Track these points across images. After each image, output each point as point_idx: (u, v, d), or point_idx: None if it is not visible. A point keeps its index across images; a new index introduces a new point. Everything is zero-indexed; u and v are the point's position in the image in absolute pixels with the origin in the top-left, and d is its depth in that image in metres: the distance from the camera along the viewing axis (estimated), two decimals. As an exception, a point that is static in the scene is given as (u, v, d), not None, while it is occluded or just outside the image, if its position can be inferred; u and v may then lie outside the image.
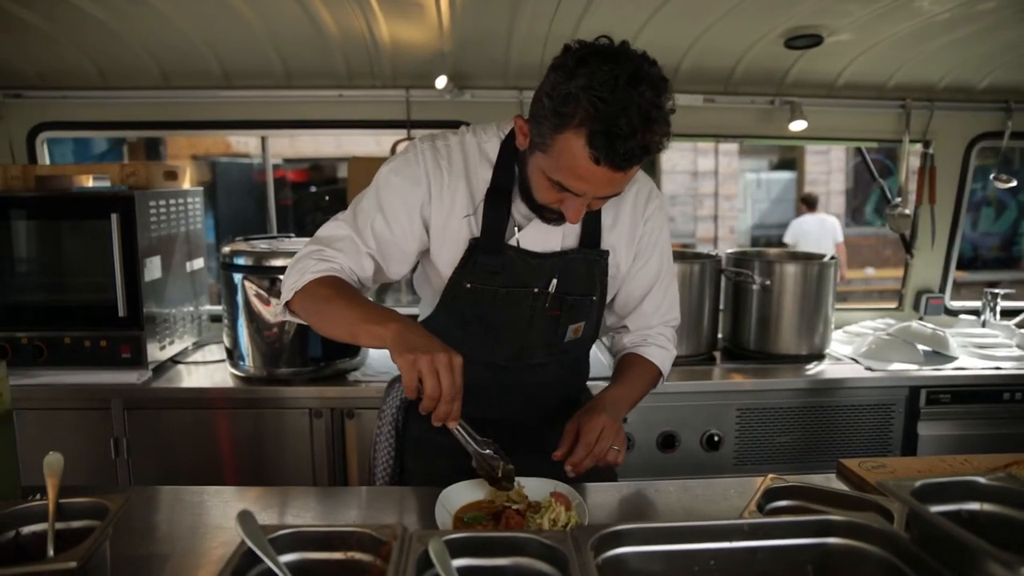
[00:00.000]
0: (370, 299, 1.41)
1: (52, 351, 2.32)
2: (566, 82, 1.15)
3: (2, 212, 2.28)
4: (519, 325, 1.46)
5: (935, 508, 1.02)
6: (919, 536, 0.97)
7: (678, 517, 1.33)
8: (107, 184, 2.49)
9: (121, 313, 2.28)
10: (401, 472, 1.59)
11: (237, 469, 2.41)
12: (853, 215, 8.97)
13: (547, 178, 1.25)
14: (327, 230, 1.43)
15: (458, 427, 1.23)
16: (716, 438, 2.43)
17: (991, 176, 3.06)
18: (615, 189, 1.25)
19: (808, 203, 7.48)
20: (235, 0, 2.26)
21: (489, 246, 1.40)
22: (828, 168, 8.95)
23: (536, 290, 1.43)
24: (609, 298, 1.57)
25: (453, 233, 1.42)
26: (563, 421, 1.43)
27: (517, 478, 1.30)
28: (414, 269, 1.57)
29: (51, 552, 1.04)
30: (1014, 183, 3.01)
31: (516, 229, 1.41)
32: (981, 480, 1.09)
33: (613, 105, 1.11)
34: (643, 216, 1.52)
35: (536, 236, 1.42)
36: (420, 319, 1.56)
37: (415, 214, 1.41)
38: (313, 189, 7.46)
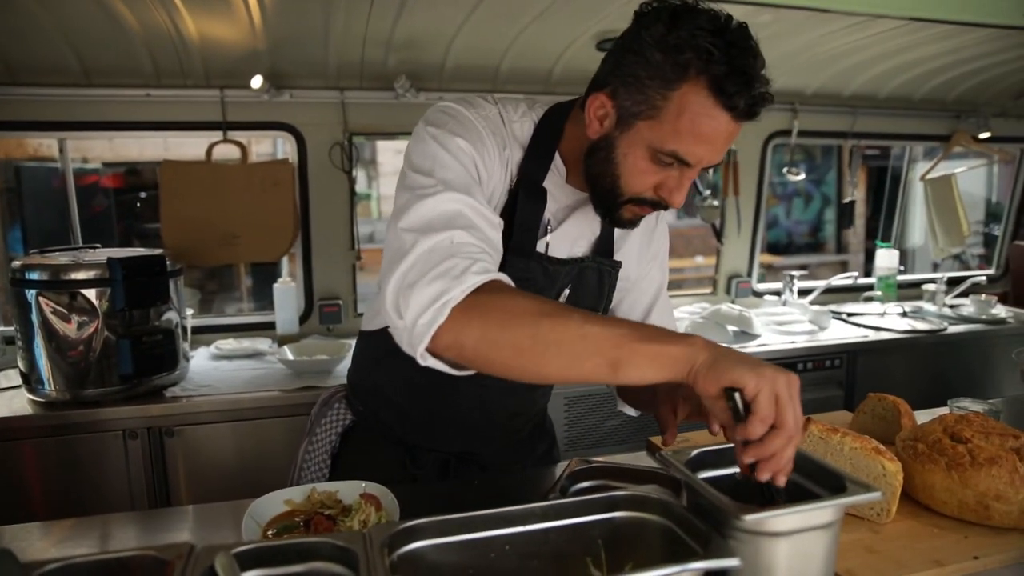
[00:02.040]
0: None
1: None
2: (670, 33, 1.00)
3: None
4: None
5: (711, 474, 1.12)
6: (691, 501, 1.07)
7: (496, 507, 1.37)
8: None
9: None
10: None
11: (47, 502, 2.20)
12: (686, 208, 9.58)
13: (653, 154, 1.07)
14: (424, 216, 1.03)
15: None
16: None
17: (783, 169, 3.39)
18: (726, 149, 1.10)
19: None
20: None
21: (521, 247, 1.19)
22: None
23: None
24: (609, 309, 1.45)
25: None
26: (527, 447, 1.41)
27: (334, 483, 1.28)
28: None
29: None
30: (802, 176, 3.36)
31: (548, 229, 1.24)
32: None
33: (735, 45, 0.99)
34: (654, 232, 1.43)
35: (564, 241, 1.26)
36: (374, 327, 1.39)
37: (477, 182, 1.14)
38: (132, 195, 6.94)
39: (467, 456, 1.47)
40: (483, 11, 2.35)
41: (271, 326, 2.86)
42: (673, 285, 3.21)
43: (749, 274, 3.51)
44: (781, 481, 0.91)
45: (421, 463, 1.45)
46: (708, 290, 3.58)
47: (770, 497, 0.93)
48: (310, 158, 2.80)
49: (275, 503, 1.28)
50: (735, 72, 0.99)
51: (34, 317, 2.14)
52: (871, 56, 2.92)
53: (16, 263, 2.17)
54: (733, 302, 3.38)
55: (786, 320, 3.12)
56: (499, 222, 1.11)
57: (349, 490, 1.30)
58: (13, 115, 2.57)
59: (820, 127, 3.40)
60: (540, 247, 1.22)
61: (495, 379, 0.99)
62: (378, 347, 1.36)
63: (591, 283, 1.32)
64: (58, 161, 2.83)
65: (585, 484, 1.37)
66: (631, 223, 1.19)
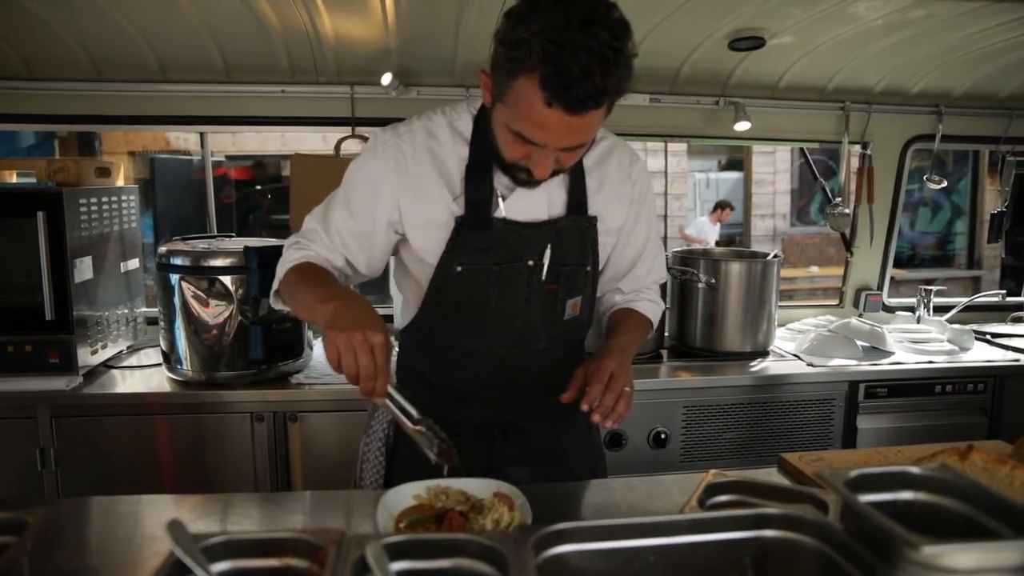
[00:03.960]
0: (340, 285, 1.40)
1: (-27, 356, 2.20)
2: (518, 27, 1.13)
3: (-82, 210, 2.16)
4: (517, 304, 1.41)
5: (870, 497, 1.04)
6: (851, 525, 0.99)
7: (622, 514, 1.33)
8: (32, 181, 2.38)
9: (48, 316, 2.18)
10: None
11: (176, 477, 2.33)
12: (799, 215, 9.22)
13: (510, 131, 1.22)
14: (305, 224, 1.45)
15: (388, 402, 1.21)
16: (663, 435, 2.45)
17: (924, 177, 3.17)
18: (577, 138, 1.21)
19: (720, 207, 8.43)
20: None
21: (476, 222, 1.35)
22: (774, 168, 9.17)
23: (531, 262, 1.39)
24: (601, 265, 1.54)
25: (432, 218, 1.38)
26: (566, 419, 1.44)
27: (462, 479, 1.28)
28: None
29: (-38, 569, 0.98)
30: (944, 183, 3.12)
31: (500, 200, 1.37)
32: (914, 470, 1.11)
33: (565, 47, 1.09)
34: (630, 178, 1.50)
35: (521, 205, 1.38)
36: (402, 325, 1.55)
37: (382, 207, 1.38)
38: (258, 187, 7.28)
39: (509, 427, 1.50)
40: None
41: (389, 319, 2.91)
42: (784, 295, 3.07)
43: (880, 287, 3.30)
44: (378, 400, 1.20)
45: (467, 439, 1.43)
46: (834, 302, 3.39)
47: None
48: (434, 155, 2.83)
49: (404, 496, 1.29)
50: (560, 73, 1.10)
51: (176, 300, 2.26)
52: (1033, 54, 2.68)
53: (162, 248, 2.31)
54: (861, 315, 3.19)
55: (922, 338, 2.90)
56: (335, 244, 1.41)
57: (480, 487, 1.29)
58: (161, 110, 2.73)
59: (969, 131, 3.15)
60: (498, 215, 1.37)
61: (503, 348, 1.43)
62: (410, 337, 1.54)
63: (572, 241, 1.42)
64: (192, 154, 2.99)
65: (723, 498, 1.31)
66: (528, 184, 1.31)
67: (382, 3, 2.27)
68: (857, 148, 3.13)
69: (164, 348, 2.36)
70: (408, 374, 1.55)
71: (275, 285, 1.40)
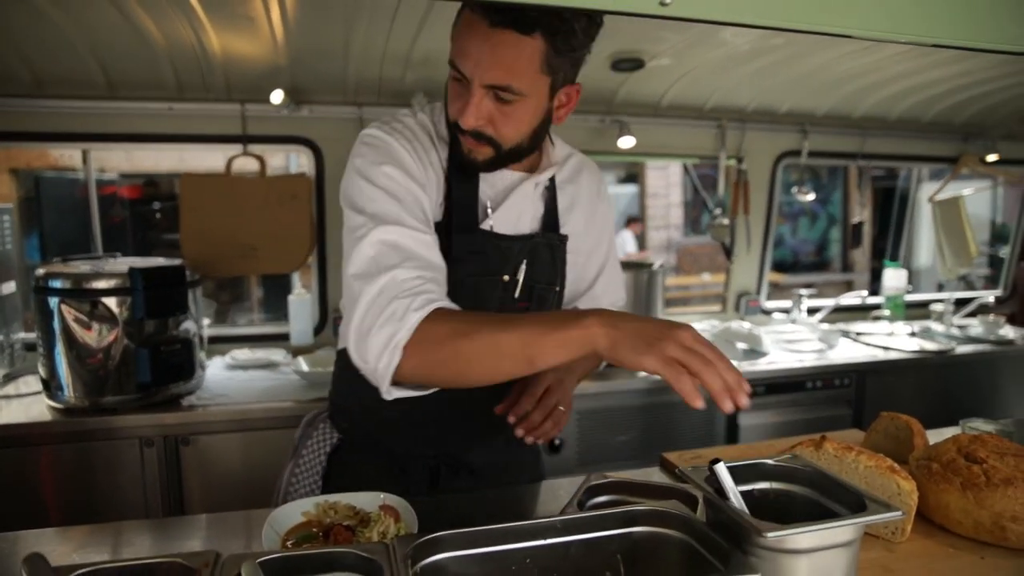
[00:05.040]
0: None
1: None
2: None
3: None
4: None
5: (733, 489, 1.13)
6: (711, 517, 1.08)
7: (508, 520, 1.38)
8: None
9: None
10: None
11: (62, 508, 2.22)
12: (692, 225, 9.64)
13: (451, 71, 1.18)
14: (364, 260, 1.14)
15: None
16: (557, 441, 2.54)
17: (791, 189, 3.42)
18: (499, 71, 1.13)
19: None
20: (44, 4, 2.10)
21: (463, 225, 1.27)
22: (667, 182, 9.55)
23: (506, 278, 1.33)
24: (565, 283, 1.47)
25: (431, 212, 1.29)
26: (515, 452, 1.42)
27: (349, 494, 1.30)
28: None
29: None
30: (812, 195, 3.38)
31: (489, 211, 1.31)
32: (768, 462, 1.21)
33: None
34: (599, 197, 1.49)
35: (508, 217, 1.32)
36: (342, 345, 1.45)
37: (419, 203, 1.23)
38: (155, 206, 6.99)
39: (455, 462, 1.47)
40: (501, 31, 2.39)
41: (285, 337, 2.88)
42: (679, 302, 3.24)
43: (758, 292, 3.53)
44: (743, 401, 0.97)
45: (411, 473, 1.45)
46: (717, 308, 3.59)
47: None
48: (327, 172, 2.84)
49: (293, 513, 1.29)
50: None
51: (56, 324, 2.17)
52: (881, 79, 2.96)
53: (40, 271, 2.21)
54: (742, 319, 3.40)
55: (795, 338, 3.13)
56: (433, 239, 1.20)
57: (367, 501, 1.32)
58: (39, 126, 2.62)
59: (830, 148, 3.43)
60: (486, 226, 1.30)
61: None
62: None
63: (545, 258, 1.38)
64: (79, 171, 2.87)
65: (602, 499, 1.38)
66: (471, 161, 1.24)
67: (269, 21, 2.26)
68: (734, 163, 3.35)
69: (44, 375, 2.25)
70: (346, 399, 1.49)
71: (388, 367, 1.08)
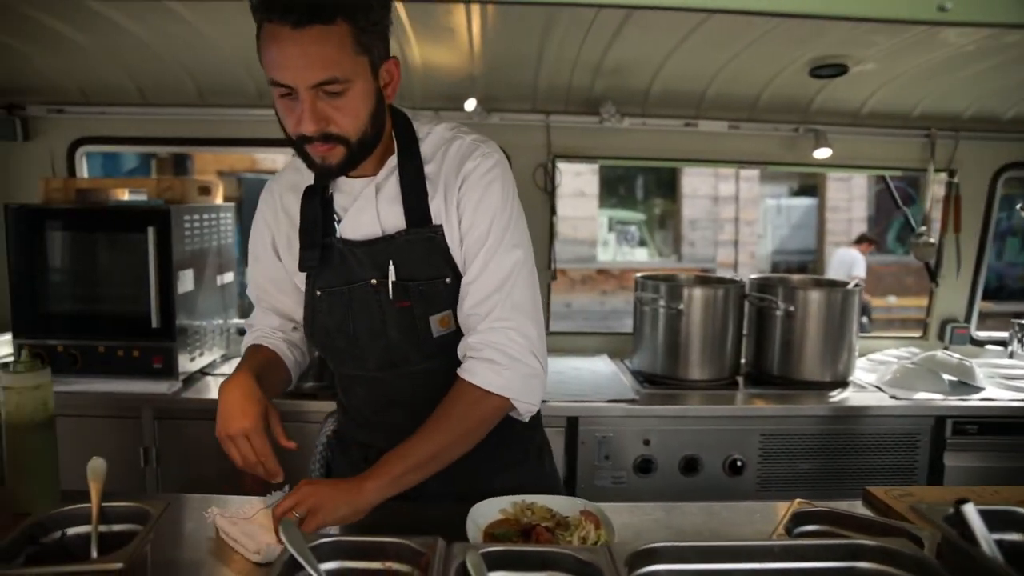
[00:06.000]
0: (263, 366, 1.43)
1: (86, 360, 2.36)
2: None
3: (43, 224, 2.35)
4: (374, 325, 1.38)
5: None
6: (952, 564, 0.98)
7: (703, 539, 1.34)
8: (143, 198, 2.55)
9: (154, 324, 2.32)
10: None
11: (260, 480, 2.42)
12: (901, 240, 8.94)
13: (273, 89, 1.20)
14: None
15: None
16: (739, 463, 2.43)
17: (1017, 206, 3.06)
18: (319, 68, 1.15)
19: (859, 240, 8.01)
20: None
21: (304, 241, 1.39)
22: (849, 195, 8.95)
23: (374, 281, 1.35)
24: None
25: (292, 241, 1.44)
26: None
27: (546, 496, 1.33)
28: None
29: (95, 554, 1.07)
30: (1040, 213, 3.01)
31: (337, 219, 1.39)
32: (1022, 511, 1.09)
33: None
34: (459, 174, 1.33)
35: (354, 224, 1.37)
36: None
37: (269, 247, 1.49)
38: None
39: None
40: (697, 37, 2.34)
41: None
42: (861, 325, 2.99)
43: (967, 320, 3.19)
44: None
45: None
46: (917, 333, 3.29)
47: None
48: (515, 178, 2.90)
49: (491, 509, 1.32)
50: None
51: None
52: None
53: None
54: (947, 348, 3.08)
55: (1015, 374, 2.79)
56: (258, 298, 1.53)
57: (565, 505, 1.32)
58: (258, 132, 2.88)
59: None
60: (338, 235, 1.37)
61: (378, 371, 1.40)
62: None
63: (419, 255, 1.35)
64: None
65: (811, 527, 1.31)
66: (327, 168, 1.26)
67: (469, 32, 2.36)
68: (943, 176, 3.05)
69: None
70: (337, 404, 1.61)
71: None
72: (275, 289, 1.50)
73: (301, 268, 1.41)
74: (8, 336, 2.44)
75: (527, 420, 1.41)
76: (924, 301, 3.29)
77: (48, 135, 2.86)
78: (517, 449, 1.52)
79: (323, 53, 1.15)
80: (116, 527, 1.12)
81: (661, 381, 2.67)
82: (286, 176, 1.47)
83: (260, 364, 1.41)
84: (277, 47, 1.15)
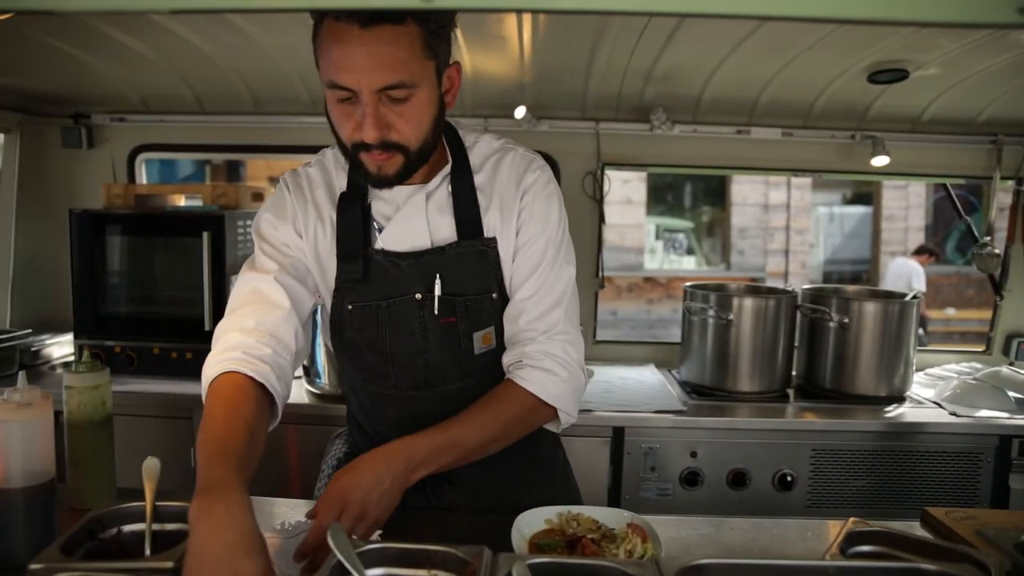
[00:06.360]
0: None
1: (142, 360, 2.44)
2: None
3: (104, 228, 2.43)
4: (414, 342, 1.30)
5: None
6: (1020, 591, 0.93)
7: (752, 556, 1.30)
8: (198, 204, 2.63)
9: (207, 327, 2.38)
10: None
11: (305, 483, 2.46)
12: (960, 250, 8.66)
13: (331, 93, 1.14)
14: (233, 296, 1.32)
15: None
16: (789, 478, 2.36)
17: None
18: (384, 72, 1.10)
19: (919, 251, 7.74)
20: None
21: (345, 252, 1.29)
22: (906, 203, 8.68)
23: (419, 296, 1.29)
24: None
25: (325, 257, 1.33)
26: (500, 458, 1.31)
27: (593, 508, 1.31)
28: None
29: (148, 552, 1.09)
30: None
31: (377, 229, 1.31)
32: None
33: None
34: (519, 186, 1.32)
35: (399, 234, 1.30)
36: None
37: (290, 226, 1.33)
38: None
39: (438, 477, 1.34)
40: (751, 43, 2.30)
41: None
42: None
43: (1034, 334, 3.05)
44: None
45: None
46: (979, 348, 3.16)
47: None
48: (563, 185, 2.89)
49: (536, 519, 1.31)
50: None
51: (317, 318, 2.40)
52: None
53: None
54: (1012, 364, 2.95)
55: (1086, 393, 2.66)
56: (274, 271, 1.29)
57: (611, 517, 1.30)
58: (312, 140, 2.92)
59: None
60: (378, 247, 1.29)
61: (411, 390, 1.33)
62: (346, 385, 1.52)
63: (469, 268, 1.30)
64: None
65: (865, 548, 1.26)
66: (383, 177, 1.20)
67: (520, 41, 2.36)
68: (1009, 184, 2.93)
69: (305, 363, 2.52)
70: (350, 423, 1.54)
71: (204, 392, 1.22)
72: (290, 265, 1.32)
73: (339, 282, 1.31)
74: (69, 336, 2.54)
75: (559, 431, 1.40)
76: (985, 314, 3.17)
77: (110, 143, 2.97)
78: (544, 467, 1.51)
79: (392, 55, 1.09)
80: (169, 526, 1.15)
81: (709, 392, 2.63)
82: (313, 173, 1.36)
83: (245, 444, 1.17)
84: (340, 47, 1.09)
